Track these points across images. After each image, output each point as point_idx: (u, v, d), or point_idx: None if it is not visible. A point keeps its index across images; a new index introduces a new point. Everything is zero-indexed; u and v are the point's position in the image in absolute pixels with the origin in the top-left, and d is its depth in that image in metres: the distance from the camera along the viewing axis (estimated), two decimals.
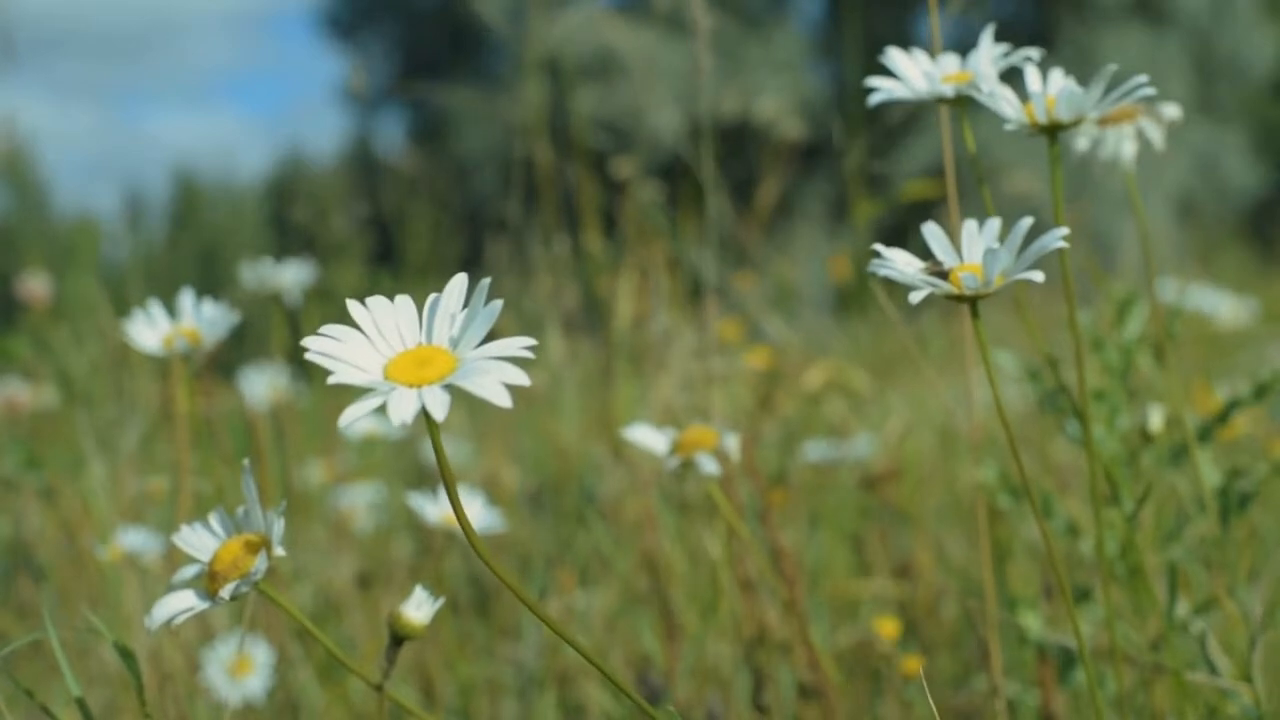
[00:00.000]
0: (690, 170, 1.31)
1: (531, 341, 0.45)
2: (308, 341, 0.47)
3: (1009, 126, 0.63)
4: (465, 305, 0.48)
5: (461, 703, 1.13)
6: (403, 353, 0.48)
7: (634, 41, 7.72)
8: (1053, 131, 0.62)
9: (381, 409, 0.44)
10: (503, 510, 1.08)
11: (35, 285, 2.07)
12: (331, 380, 0.45)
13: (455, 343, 0.48)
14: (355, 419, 0.43)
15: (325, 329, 0.48)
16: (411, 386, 0.45)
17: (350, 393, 0.45)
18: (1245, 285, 2.39)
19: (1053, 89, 0.64)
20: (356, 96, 9.97)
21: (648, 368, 1.48)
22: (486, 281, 0.47)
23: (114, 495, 1.33)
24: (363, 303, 0.49)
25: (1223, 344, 2.00)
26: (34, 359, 1.87)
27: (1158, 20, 8.27)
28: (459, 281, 0.49)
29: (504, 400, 0.43)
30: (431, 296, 0.49)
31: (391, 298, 0.50)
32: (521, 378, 0.44)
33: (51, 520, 1.38)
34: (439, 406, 0.44)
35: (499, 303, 0.47)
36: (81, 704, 0.55)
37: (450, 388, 0.45)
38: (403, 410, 0.44)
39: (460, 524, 0.49)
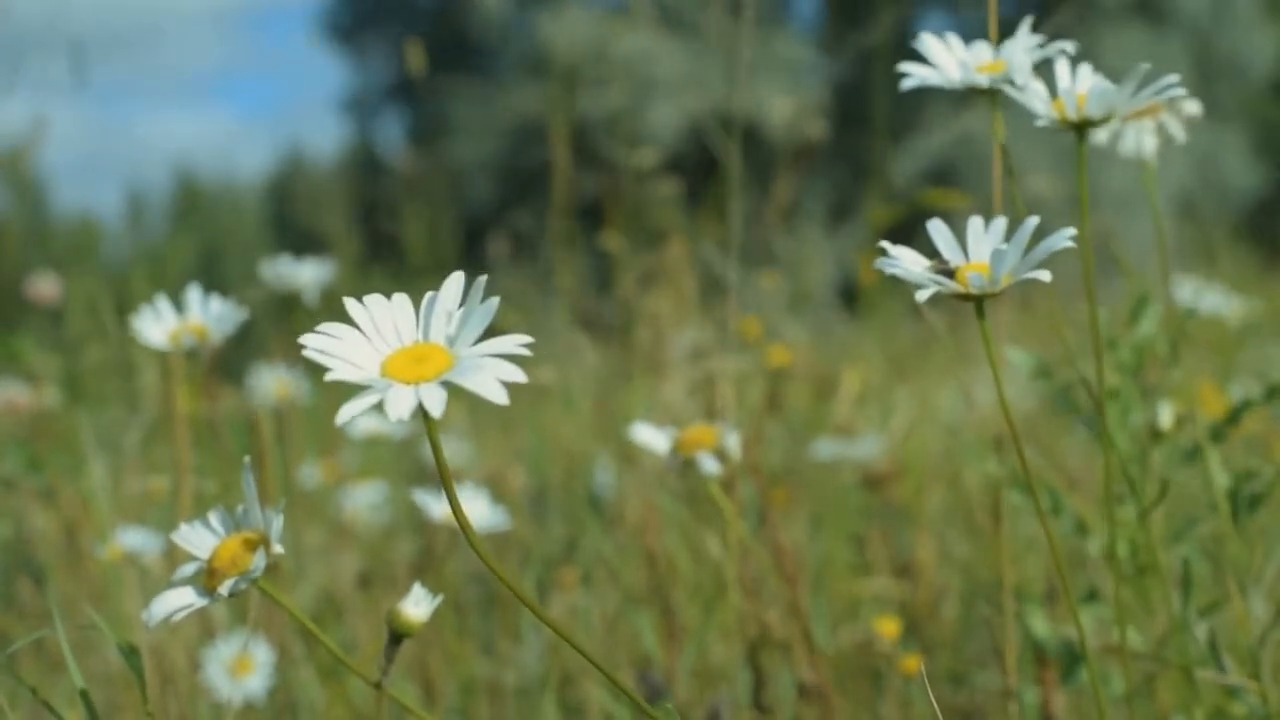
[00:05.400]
0: (697, 169, 1.30)
1: (528, 339, 0.45)
2: (305, 339, 0.47)
3: (1040, 122, 0.62)
4: (462, 303, 0.48)
5: (462, 702, 1.13)
6: (400, 350, 0.48)
7: (634, 41, 7.72)
8: (1082, 128, 0.62)
9: (378, 406, 0.44)
10: (506, 509, 1.08)
11: (43, 286, 2.07)
12: (328, 378, 0.45)
13: (452, 340, 0.48)
14: (352, 416, 0.43)
15: (322, 326, 0.48)
16: (408, 384, 0.45)
17: (351, 391, 0.45)
18: (1245, 285, 2.38)
19: (1082, 85, 0.64)
20: (359, 100, 9.97)
21: (660, 365, 1.48)
22: (483, 279, 0.47)
23: (114, 495, 1.33)
24: (360, 300, 0.49)
25: (1226, 343, 1.99)
26: (38, 359, 1.87)
27: (1158, 20, 8.28)
28: (456, 279, 0.49)
29: (501, 398, 0.43)
30: (429, 294, 0.49)
31: (389, 297, 0.50)
32: (518, 375, 0.44)
33: (52, 520, 1.38)
34: (435, 404, 0.44)
35: (496, 300, 0.47)
36: (86, 700, 0.55)
37: (447, 385, 0.45)
38: (399, 407, 0.44)
39: (459, 523, 0.48)
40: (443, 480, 0.48)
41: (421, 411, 0.45)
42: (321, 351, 0.47)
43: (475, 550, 0.49)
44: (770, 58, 8.07)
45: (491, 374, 0.44)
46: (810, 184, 7.60)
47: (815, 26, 9.31)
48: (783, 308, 2.01)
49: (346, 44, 10.55)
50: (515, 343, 0.45)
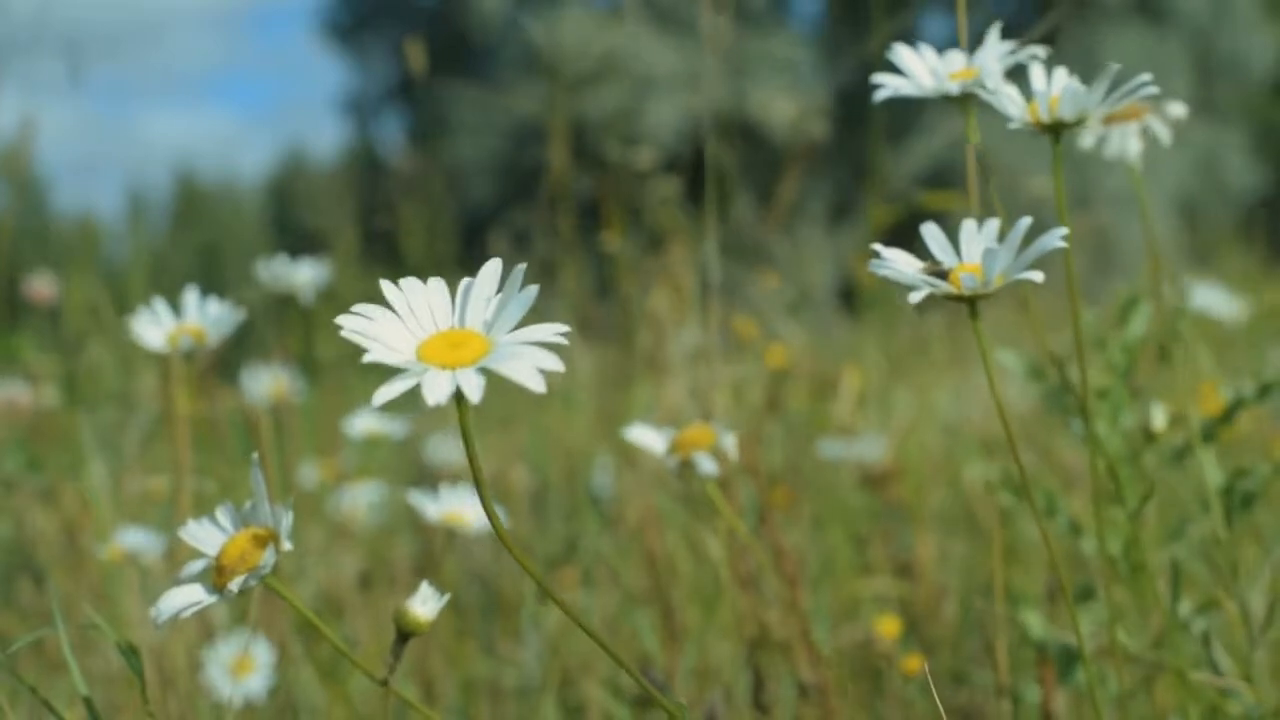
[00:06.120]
0: (696, 169, 1.30)
1: (565, 328, 0.45)
2: (342, 319, 0.46)
3: (1012, 125, 0.62)
4: (499, 289, 0.48)
5: (462, 702, 1.13)
6: (435, 335, 0.48)
7: (633, 41, 7.72)
8: (1056, 130, 0.62)
9: (414, 390, 0.44)
10: (507, 509, 1.08)
11: (42, 286, 2.07)
12: (366, 359, 0.45)
13: (489, 327, 0.47)
14: (389, 398, 0.43)
15: (358, 307, 0.47)
16: (445, 368, 0.45)
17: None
18: (1245, 285, 2.39)
19: (1056, 88, 0.64)
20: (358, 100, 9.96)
21: (661, 366, 1.48)
22: (522, 267, 0.47)
23: (114, 495, 1.33)
24: (396, 283, 0.49)
25: (1223, 343, 2.00)
26: (36, 359, 1.87)
27: (1158, 20, 8.28)
28: (493, 266, 0.49)
29: (538, 385, 0.43)
30: (465, 281, 0.49)
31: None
32: (557, 363, 0.44)
33: (52, 520, 1.38)
34: (474, 389, 0.44)
35: (535, 288, 0.46)
36: (87, 701, 0.55)
37: (485, 371, 0.45)
38: (437, 391, 0.43)
39: (484, 510, 0.48)
40: (472, 469, 0.48)
41: (457, 397, 0.44)
42: (358, 332, 0.46)
43: (500, 538, 0.48)
44: (770, 58, 8.07)
45: (530, 362, 0.44)
46: (810, 184, 7.60)
47: (815, 26, 9.31)
48: (782, 308, 2.01)
49: (346, 44, 10.55)
50: (553, 331, 0.45)
